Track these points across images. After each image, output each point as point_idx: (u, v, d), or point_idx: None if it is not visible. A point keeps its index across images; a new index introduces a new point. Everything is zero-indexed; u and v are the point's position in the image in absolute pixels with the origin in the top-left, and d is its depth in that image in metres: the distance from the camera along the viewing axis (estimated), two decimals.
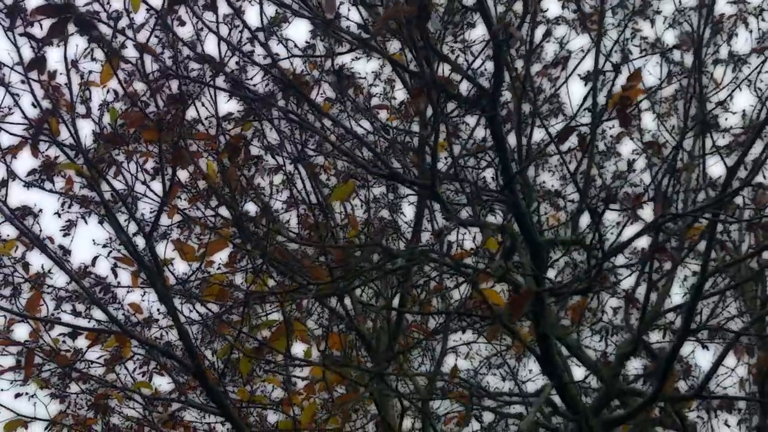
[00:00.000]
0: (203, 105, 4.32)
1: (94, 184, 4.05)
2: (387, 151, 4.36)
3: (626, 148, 5.35)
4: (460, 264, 3.80)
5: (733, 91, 4.42)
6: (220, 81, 3.92)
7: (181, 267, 4.69)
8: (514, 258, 3.90)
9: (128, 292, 5.00)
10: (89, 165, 4.00)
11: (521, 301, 3.28)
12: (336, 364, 4.46)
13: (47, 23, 3.37)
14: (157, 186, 4.29)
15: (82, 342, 4.88)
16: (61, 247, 4.67)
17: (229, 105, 6.97)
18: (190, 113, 4.38)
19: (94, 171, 4.03)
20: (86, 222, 4.80)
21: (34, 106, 3.98)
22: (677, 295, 5.35)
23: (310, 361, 4.76)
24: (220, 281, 4.56)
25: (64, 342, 4.83)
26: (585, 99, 3.84)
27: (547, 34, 3.60)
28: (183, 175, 4.54)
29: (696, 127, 4.22)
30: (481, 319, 4.41)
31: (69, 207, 4.62)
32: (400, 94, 5.42)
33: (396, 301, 5.14)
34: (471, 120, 5.21)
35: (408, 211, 5.65)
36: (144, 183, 4.22)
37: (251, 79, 3.94)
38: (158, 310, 4.84)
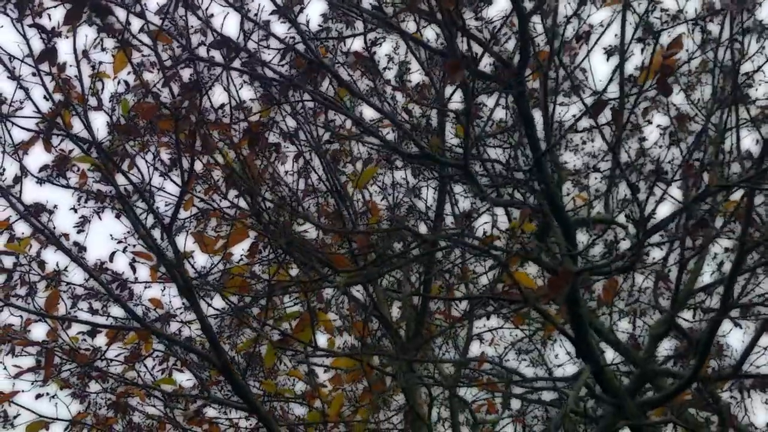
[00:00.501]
0: (224, 89, 4.19)
1: (110, 177, 3.94)
2: (409, 133, 4.24)
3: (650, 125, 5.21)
4: (490, 246, 3.68)
5: (764, 63, 4.29)
6: (236, 64, 3.80)
7: (200, 260, 4.58)
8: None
9: (146, 287, 4.90)
10: (104, 158, 3.89)
11: (560, 283, 3.15)
12: (368, 353, 4.35)
13: (56, 14, 3.27)
14: (173, 177, 4.17)
15: (100, 340, 4.79)
16: (76, 243, 4.56)
17: (244, 93, 6.82)
18: (205, 103, 4.26)
19: (109, 164, 3.92)
20: (100, 218, 4.68)
21: (46, 99, 3.87)
22: (706, 274, 5.22)
23: (335, 352, 4.66)
24: (241, 273, 4.45)
25: (83, 340, 4.72)
26: (614, 71, 3.72)
27: (583, 2, 3.46)
28: (198, 166, 4.43)
29: (727, 100, 4.10)
30: (510, 303, 4.30)
31: (85, 202, 4.50)
32: (416, 77, 5.31)
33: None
34: (489, 101, 5.10)
35: (428, 195, 5.53)
36: (163, 174, 4.10)
37: (269, 62, 3.82)
38: (183, 303, 4.72)
